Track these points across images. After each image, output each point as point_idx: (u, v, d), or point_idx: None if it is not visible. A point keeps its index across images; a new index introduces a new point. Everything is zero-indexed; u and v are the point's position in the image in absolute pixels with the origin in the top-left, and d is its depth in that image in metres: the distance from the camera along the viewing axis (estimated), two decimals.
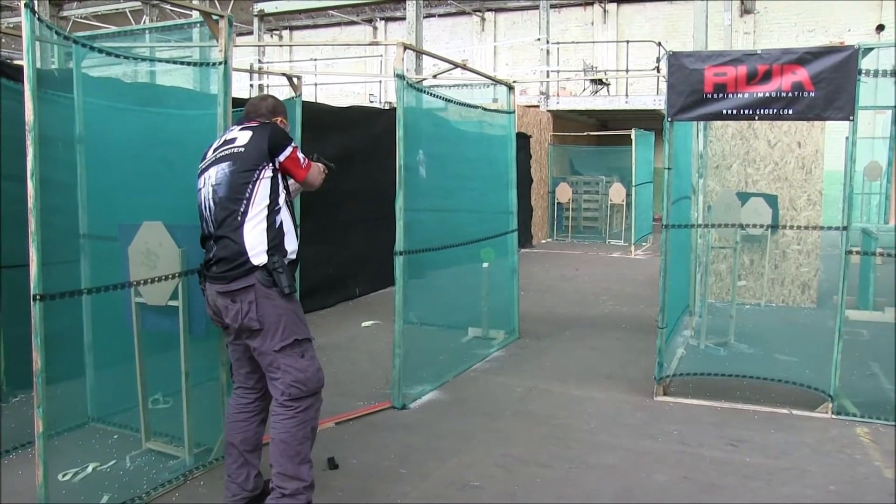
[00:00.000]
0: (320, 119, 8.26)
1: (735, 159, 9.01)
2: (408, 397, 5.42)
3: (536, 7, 19.67)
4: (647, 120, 17.99)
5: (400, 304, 5.25)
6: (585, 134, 19.39)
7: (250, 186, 3.45)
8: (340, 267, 9.16)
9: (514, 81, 7.61)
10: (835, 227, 5.39)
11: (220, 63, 4.16)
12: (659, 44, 17.85)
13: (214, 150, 3.62)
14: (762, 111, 5.20)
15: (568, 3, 21.88)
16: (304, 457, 3.49)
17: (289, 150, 3.57)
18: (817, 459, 4.53)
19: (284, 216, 3.55)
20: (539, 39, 19.37)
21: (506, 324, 7.41)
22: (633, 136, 15.28)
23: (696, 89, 5.28)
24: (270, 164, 3.51)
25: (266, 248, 3.43)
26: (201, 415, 4.30)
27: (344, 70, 23.17)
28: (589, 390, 5.80)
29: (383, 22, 24.27)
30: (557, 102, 18.67)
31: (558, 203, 17.55)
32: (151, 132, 4.44)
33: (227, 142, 3.60)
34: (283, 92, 6.77)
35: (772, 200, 8.13)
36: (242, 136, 3.56)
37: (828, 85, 5.02)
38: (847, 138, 5.13)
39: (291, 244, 3.56)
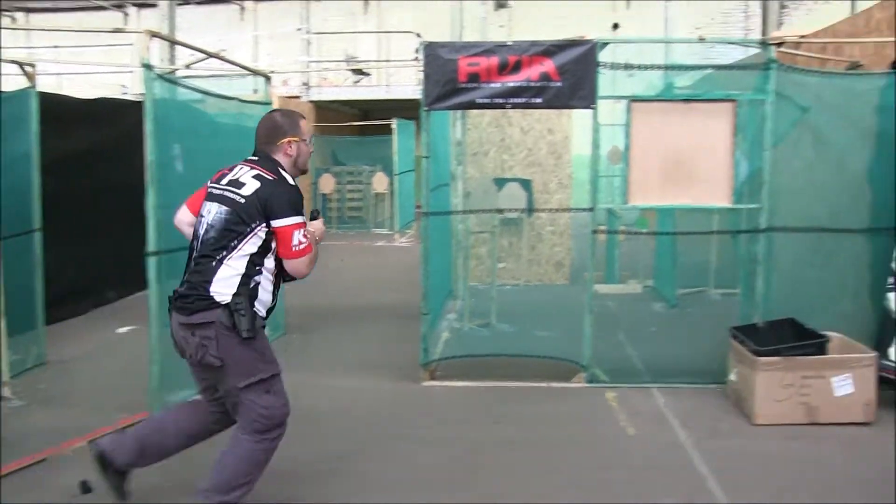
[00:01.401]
0: (62, 112, 7.56)
1: (491, 146, 9.37)
2: (168, 405, 5.09)
3: None
4: (408, 109, 18.21)
5: (155, 307, 4.92)
6: (348, 124, 19.39)
7: (237, 240, 3.28)
8: (92, 271, 8.47)
9: (272, 72, 7.42)
10: (584, 209, 5.76)
11: None
12: (418, 35, 18.15)
13: (227, 183, 3.40)
14: (513, 100, 5.43)
15: None
16: (247, 481, 3.35)
17: (286, 220, 3.29)
18: (573, 426, 4.83)
19: (264, 280, 3.35)
20: (300, 29, 19.11)
21: (271, 320, 7.17)
22: (394, 126, 15.45)
23: (451, 79, 5.39)
24: (265, 226, 3.28)
25: (234, 291, 3.26)
26: None
27: (93, 59, 21.55)
28: (357, 381, 5.79)
29: (136, 8, 22.81)
30: (319, 93, 18.53)
31: (322, 194, 17.45)
32: None
33: (234, 182, 3.37)
34: (16, 82, 6.14)
35: (526, 185, 8.54)
36: (250, 185, 3.33)
37: (572, 76, 5.34)
38: (592, 125, 5.48)
39: (261, 304, 3.37)
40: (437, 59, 5.41)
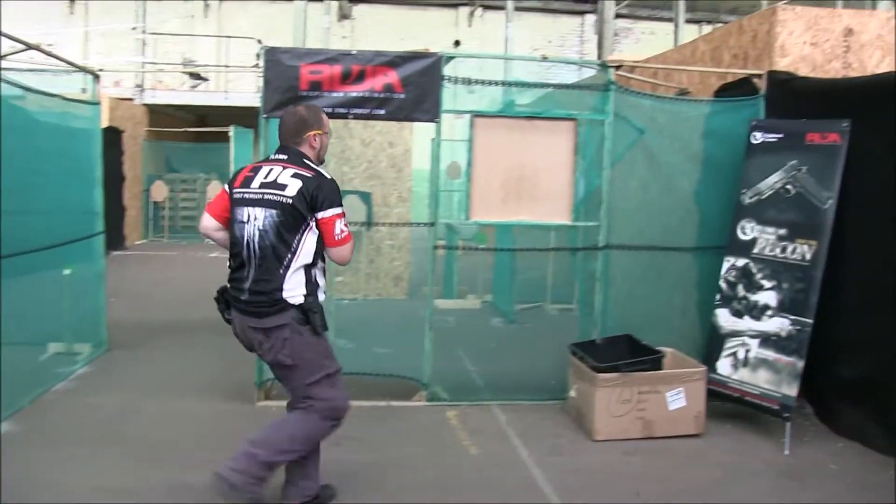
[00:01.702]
0: None
1: (331, 157, 9.13)
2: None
3: None
4: (247, 117, 17.71)
5: None
6: (183, 130, 18.63)
7: (297, 239, 3.47)
8: None
9: (101, 70, 6.93)
10: (424, 223, 5.68)
11: None
12: (259, 41, 17.71)
13: (262, 187, 3.52)
14: (356, 110, 5.29)
15: None
16: (295, 449, 3.59)
17: (331, 212, 3.50)
18: (415, 448, 4.71)
19: (319, 272, 3.58)
20: (135, 28, 18.22)
21: (93, 336, 6.69)
22: (231, 134, 14.98)
23: (292, 86, 5.20)
24: (314, 220, 3.48)
25: (304, 291, 3.49)
26: None
27: None
28: (188, 402, 5.44)
29: None
30: (154, 96, 17.76)
31: (154, 202, 16.63)
32: None
33: (276, 185, 3.49)
34: None
35: (366, 198, 8.43)
36: (292, 185, 3.47)
37: (416, 88, 5.26)
38: (433, 139, 5.42)
39: (321, 291, 3.60)
40: (278, 64, 5.20)
